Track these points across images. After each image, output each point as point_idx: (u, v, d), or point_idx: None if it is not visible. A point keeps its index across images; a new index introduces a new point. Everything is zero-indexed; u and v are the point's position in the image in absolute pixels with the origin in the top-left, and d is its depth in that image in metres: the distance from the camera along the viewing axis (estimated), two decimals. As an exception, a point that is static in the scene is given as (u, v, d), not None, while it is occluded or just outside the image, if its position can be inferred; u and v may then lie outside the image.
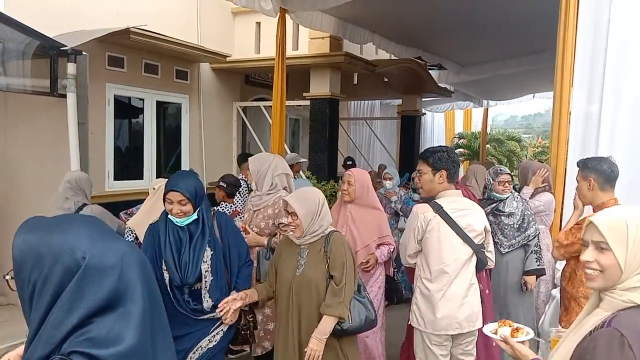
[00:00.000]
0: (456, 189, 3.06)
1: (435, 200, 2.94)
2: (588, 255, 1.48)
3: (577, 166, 3.00)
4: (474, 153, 14.77)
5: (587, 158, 3.01)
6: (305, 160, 6.93)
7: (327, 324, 2.59)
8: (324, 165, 7.62)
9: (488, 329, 1.96)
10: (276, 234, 3.45)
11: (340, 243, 2.70)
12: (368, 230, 3.54)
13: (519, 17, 6.48)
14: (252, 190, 3.70)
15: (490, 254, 3.05)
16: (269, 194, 3.47)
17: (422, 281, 2.95)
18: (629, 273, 1.41)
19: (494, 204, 3.88)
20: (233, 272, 2.78)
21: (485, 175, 4.20)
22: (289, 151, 7.43)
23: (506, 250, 3.81)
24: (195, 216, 2.63)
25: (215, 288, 2.67)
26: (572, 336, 1.53)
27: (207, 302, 2.64)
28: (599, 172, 2.84)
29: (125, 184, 6.74)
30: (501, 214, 3.85)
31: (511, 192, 3.90)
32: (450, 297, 2.87)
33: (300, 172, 6.84)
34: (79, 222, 1.09)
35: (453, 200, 2.93)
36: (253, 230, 3.47)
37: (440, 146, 3.08)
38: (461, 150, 15.42)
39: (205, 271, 2.64)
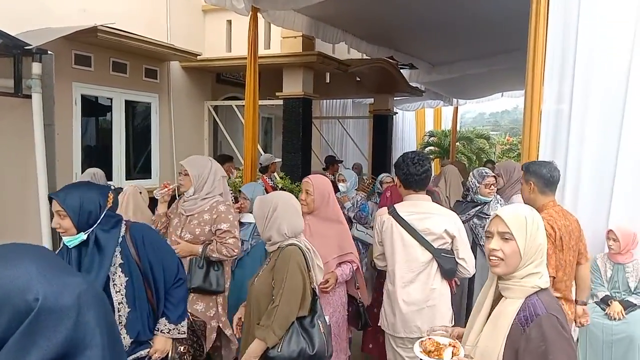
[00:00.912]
0: (427, 192, 3.10)
1: (393, 204, 3.06)
2: (494, 244, 1.68)
3: (521, 169, 3.13)
4: (444, 151, 14.97)
5: (531, 162, 3.15)
6: (280, 160, 6.89)
7: (253, 348, 2.34)
8: (298, 165, 7.58)
9: (418, 349, 1.78)
10: (212, 241, 3.24)
11: (287, 259, 2.39)
12: (327, 246, 3.06)
13: (489, 18, 6.57)
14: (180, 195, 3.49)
15: (463, 261, 2.92)
16: (205, 198, 3.29)
17: (387, 283, 3.06)
18: (525, 260, 1.65)
19: (479, 207, 3.91)
20: (160, 296, 2.39)
21: (467, 177, 4.19)
22: (262, 151, 7.37)
23: None
24: (82, 237, 2.22)
25: (135, 321, 2.30)
26: (489, 326, 1.68)
27: (124, 340, 2.27)
28: (539, 177, 2.96)
29: (94, 186, 6.56)
30: (486, 216, 3.86)
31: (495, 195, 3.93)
32: (409, 300, 2.87)
33: (275, 172, 6.78)
34: (30, 254, 0.94)
35: (412, 204, 2.99)
36: (185, 238, 3.25)
37: (402, 156, 3.12)
38: (431, 148, 15.61)
39: (119, 303, 2.27)
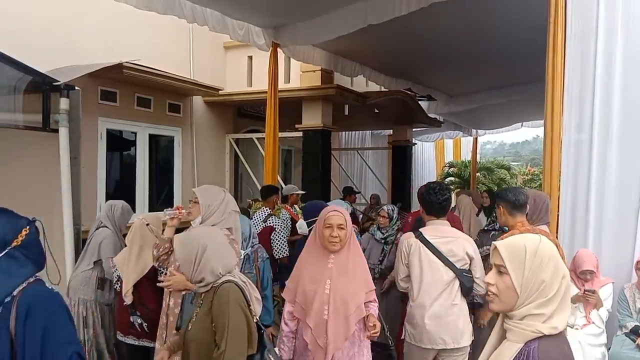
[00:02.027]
0: (448, 220, 3.40)
1: (419, 229, 3.35)
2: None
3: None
4: (465, 181, 14.86)
5: (501, 189, 3.46)
6: (304, 192, 6.90)
7: None
8: (317, 196, 7.60)
9: None
10: None
11: (225, 299, 2.18)
12: (358, 285, 2.81)
13: (507, 49, 6.62)
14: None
15: (479, 279, 3.21)
16: None
17: (410, 301, 3.28)
18: (524, 299, 1.43)
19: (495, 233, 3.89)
20: None
21: (474, 204, 4.21)
22: (282, 182, 7.43)
23: None
24: None
25: None
26: None
27: None
28: (506, 201, 3.30)
29: (117, 218, 6.67)
30: None
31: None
32: (433, 314, 3.13)
33: (296, 205, 6.81)
34: None
35: (434, 229, 3.30)
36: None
37: (424, 186, 3.46)
38: (452, 179, 15.52)
39: None
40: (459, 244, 3.21)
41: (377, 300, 2.99)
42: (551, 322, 1.42)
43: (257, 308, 2.34)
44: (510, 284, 1.45)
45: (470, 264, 3.24)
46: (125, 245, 3.70)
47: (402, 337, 3.34)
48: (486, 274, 2.28)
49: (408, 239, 3.31)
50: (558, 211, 3.96)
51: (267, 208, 5.54)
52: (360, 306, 2.76)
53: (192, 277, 2.26)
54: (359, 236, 4.91)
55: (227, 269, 2.29)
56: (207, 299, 2.25)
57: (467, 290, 3.20)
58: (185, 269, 2.27)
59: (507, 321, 1.49)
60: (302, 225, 4.33)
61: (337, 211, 2.83)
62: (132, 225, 3.75)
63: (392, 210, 4.89)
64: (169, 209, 3.32)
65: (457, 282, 3.17)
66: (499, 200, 3.40)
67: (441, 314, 3.12)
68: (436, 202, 3.28)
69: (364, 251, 4.14)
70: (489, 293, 1.51)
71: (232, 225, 3.10)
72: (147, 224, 3.78)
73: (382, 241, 4.67)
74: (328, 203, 4.44)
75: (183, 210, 3.26)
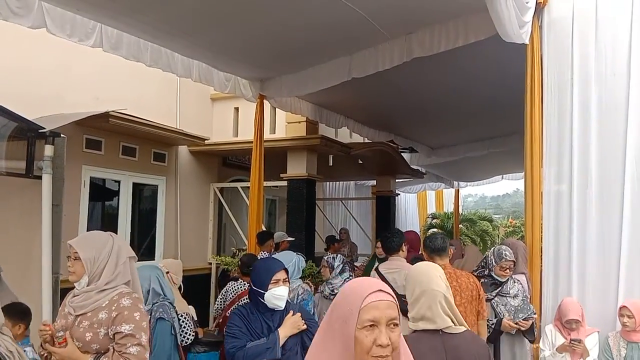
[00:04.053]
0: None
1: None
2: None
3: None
4: (448, 232, 14.92)
5: (426, 236, 3.97)
6: (293, 239, 6.86)
7: None
8: (302, 245, 7.56)
9: None
10: (108, 349, 2.33)
11: None
12: None
13: (485, 102, 6.85)
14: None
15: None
16: (104, 290, 2.39)
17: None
18: None
19: (499, 288, 3.88)
20: None
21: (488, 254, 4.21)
22: (266, 232, 7.38)
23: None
24: None
25: None
26: None
27: None
28: (425, 247, 3.78)
29: (96, 268, 6.53)
30: (507, 295, 3.85)
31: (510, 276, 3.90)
32: None
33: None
34: None
35: (388, 262, 4.09)
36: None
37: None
38: (435, 230, 15.57)
39: None
40: (401, 274, 3.72)
41: None
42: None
43: None
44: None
45: None
46: None
47: None
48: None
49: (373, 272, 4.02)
50: (541, 262, 4.00)
51: (266, 252, 5.64)
52: None
53: None
54: (310, 298, 4.20)
55: None
56: None
57: (403, 311, 3.29)
58: None
59: None
60: None
61: (382, 291, 1.40)
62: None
63: (333, 259, 4.39)
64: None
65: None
66: (424, 246, 3.83)
67: None
68: (387, 236, 4.17)
69: (313, 314, 3.80)
70: None
71: (130, 278, 2.50)
72: (167, 272, 3.72)
73: (331, 297, 4.08)
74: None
75: (48, 328, 2.36)
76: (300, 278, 4.20)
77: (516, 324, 3.69)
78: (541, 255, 4.00)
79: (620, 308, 3.53)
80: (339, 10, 4.27)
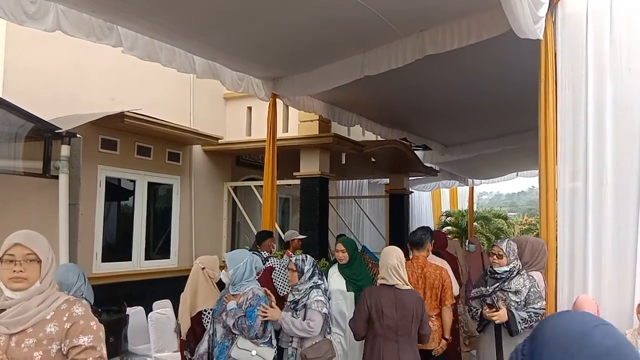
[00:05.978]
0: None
1: None
2: None
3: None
4: (463, 231, 14.85)
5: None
6: (305, 236, 6.81)
7: None
8: (315, 244, 7.58)
9: None
10: None
11: None
12: None
13: (499, 99, 6.80)
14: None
15: None
16: (45, 299, 2.09)
17: None
18: None
19: (497, 283, 3.86)
20: None
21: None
22: (279, 230, 7.42)
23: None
24: None
25: None
26: None
27: None
28: (409, 240, 4.46)
29: (113, 266, 6.62)
30: (508, 290, 3.82)
31: (518, 270, 3.88)
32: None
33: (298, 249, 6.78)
34: None
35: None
36: None
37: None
38: (449, 228, 15.51)
39: None
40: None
41: None
42: None
43: None
44: None
45: None
46: None
47: None
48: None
49: None
50: (556, 259, 3.96)
51: (264, 252, 5.62)
52: None
53: None
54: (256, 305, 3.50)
55: None
56: None
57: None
58: None
59: None
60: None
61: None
62: (192, 270, 3.82)
63: (303, 261, 3.73)
64: None
65: None
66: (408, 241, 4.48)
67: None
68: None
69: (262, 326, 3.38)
70: None
71: (82, 283, 2.38)
72: (203, 268, 3.77)
73: (292, 306, 3.66)
74: (226, 254, 3.67)
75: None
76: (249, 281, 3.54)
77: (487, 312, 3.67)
78: (556, 253, 3.96)
79: (638, 305, 3.49)
80: (351, 9, 4.28)
